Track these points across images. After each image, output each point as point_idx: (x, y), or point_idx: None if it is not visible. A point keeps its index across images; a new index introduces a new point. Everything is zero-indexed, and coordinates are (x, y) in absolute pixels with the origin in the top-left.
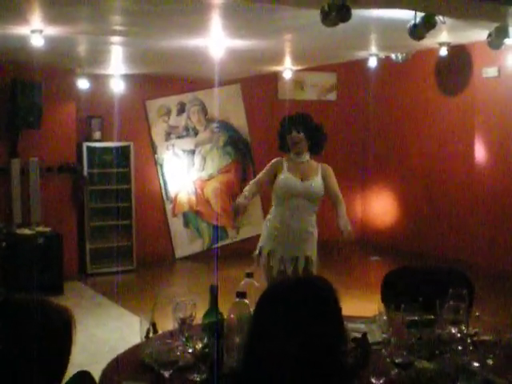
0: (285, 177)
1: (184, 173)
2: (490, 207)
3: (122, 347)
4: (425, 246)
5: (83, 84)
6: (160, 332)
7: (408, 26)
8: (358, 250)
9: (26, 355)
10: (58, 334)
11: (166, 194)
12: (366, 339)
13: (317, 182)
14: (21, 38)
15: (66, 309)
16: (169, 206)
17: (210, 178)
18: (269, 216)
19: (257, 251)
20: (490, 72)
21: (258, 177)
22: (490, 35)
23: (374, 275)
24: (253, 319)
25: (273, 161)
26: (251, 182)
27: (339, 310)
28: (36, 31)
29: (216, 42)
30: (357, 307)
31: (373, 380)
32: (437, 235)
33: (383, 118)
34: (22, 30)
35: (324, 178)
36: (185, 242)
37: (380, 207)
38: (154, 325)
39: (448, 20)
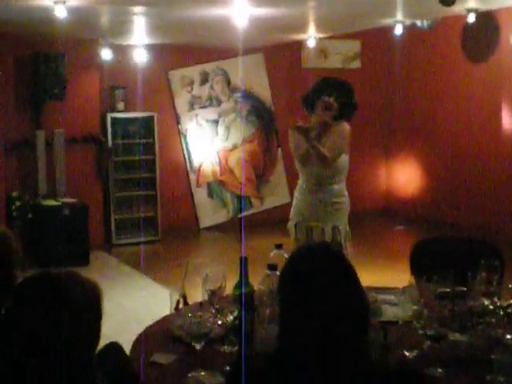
0: (305, 149)
1: (208, 143)
2: None
3: (148, 317)
4: (449, 215)
5: (106, 54)
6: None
7: None
8: (382, 220)
9: (61, 329)
10: (90, 307)
11: (190, 164)
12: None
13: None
14: (44, 9)
15: (91, 282)
16: (193, 177)
17: (234, 147)
18: (297, 187)
19: (289, 224)
20: None
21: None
22: None
23: (399, 245)
24: (278, 292)
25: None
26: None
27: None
28: (59, 2)
29: (239, 10)
30: (382, 277)
31: (406, 353)
32: (462, 204)
33: (408, 85)
34: (44, 1)
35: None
36: (209, 212)
37: (404, 176)
38: (184, 297)
39: None
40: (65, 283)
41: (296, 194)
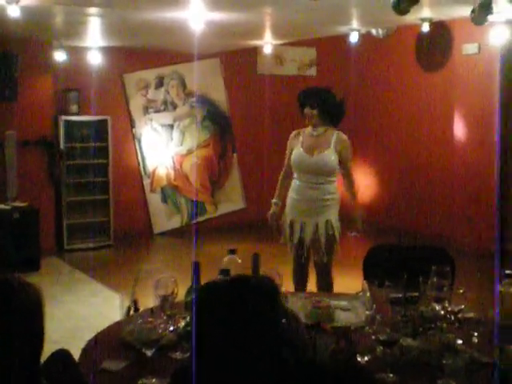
0: (296, 153)
1: (162, 147)
2: (469, 184)
3: (100, 323)
4: (403, 222)
5: (60, 56)
6: (141, 309)
7: (391, 0)
8: None
9: (2, 335)
10: (29, 312)
11: (144, 168)
12: (348, 332)
13: (328, 156)
14: None
15: (33, 285)
16: (147, 181)
17: (189, 152)
18: (291, 188)
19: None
20: (470, 49)
21: (284, 166)
22: (473, 11)
23: (353, 251)
24: (194, 318)
25: (291, 135)
26: (280, 179)
27: (279, 309)
28: (12, 1)
29: (196, 14)
30: (336, 283)
31: (358, 358)
32: (415, 212)
33: (363, 93)
34: None
35: (338, 150)
36: (163, 218)
37: (357, 183)
38: (135, 302)
39: None
40: (4, 287)
41: (289, 195)
